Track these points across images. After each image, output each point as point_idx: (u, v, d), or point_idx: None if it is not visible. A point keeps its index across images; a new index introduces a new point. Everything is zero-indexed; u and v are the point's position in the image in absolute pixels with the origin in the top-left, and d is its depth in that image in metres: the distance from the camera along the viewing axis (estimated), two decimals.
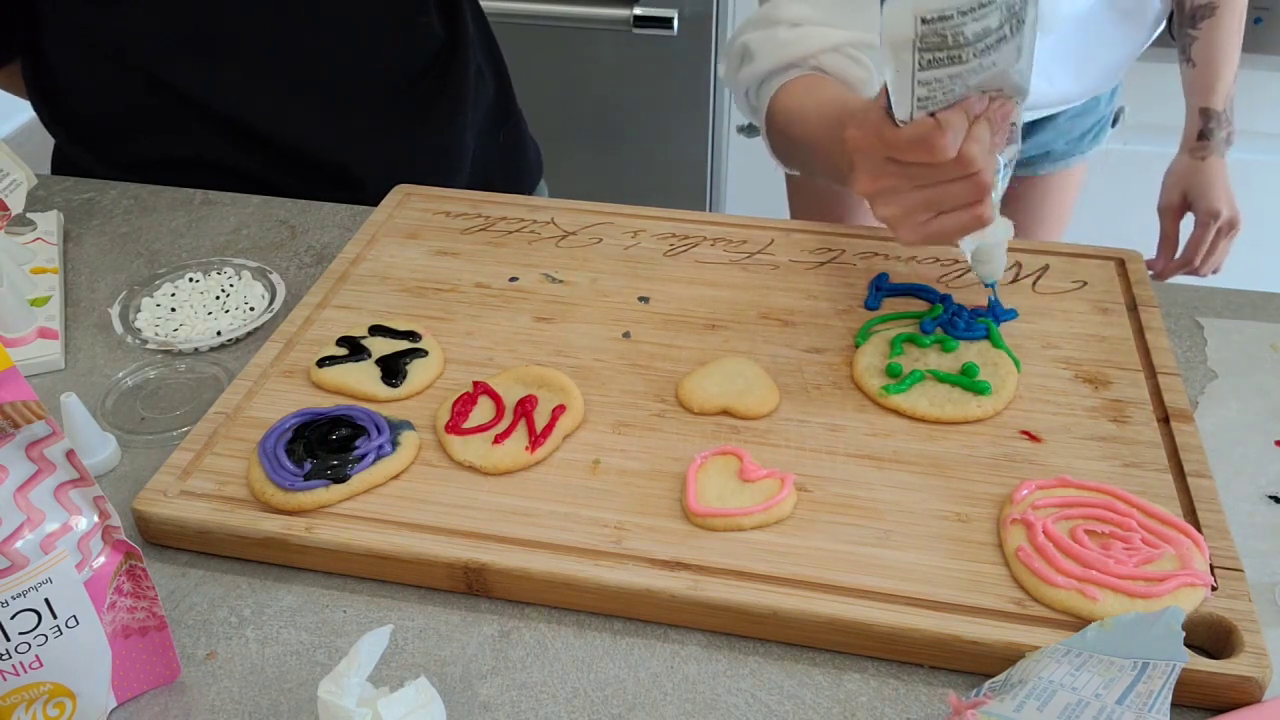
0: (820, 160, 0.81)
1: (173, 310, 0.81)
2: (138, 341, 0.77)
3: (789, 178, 1.32)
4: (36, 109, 1.01)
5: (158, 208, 0.95)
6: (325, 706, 0.46)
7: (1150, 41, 1.10)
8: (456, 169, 1.06)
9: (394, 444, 0.64)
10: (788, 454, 0.65)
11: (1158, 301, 0.77)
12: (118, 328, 0.78)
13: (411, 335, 0.74)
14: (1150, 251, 0.83)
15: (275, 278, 0.83)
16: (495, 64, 1.14)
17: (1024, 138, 1.17)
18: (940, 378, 0.69)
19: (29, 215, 0.90)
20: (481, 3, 1.14)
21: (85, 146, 1.02)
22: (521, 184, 1.16)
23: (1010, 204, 1.23)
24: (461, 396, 0.68)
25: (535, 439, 0.64)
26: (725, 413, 0.68)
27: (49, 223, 0.90)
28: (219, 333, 0.78)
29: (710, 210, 1.94)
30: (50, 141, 1.07)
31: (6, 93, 1.05)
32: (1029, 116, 1.04)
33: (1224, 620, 0.54)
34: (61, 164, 1.06)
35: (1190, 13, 1.08)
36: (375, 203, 0.91)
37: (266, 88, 0.96)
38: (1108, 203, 1.66)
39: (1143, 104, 1.53)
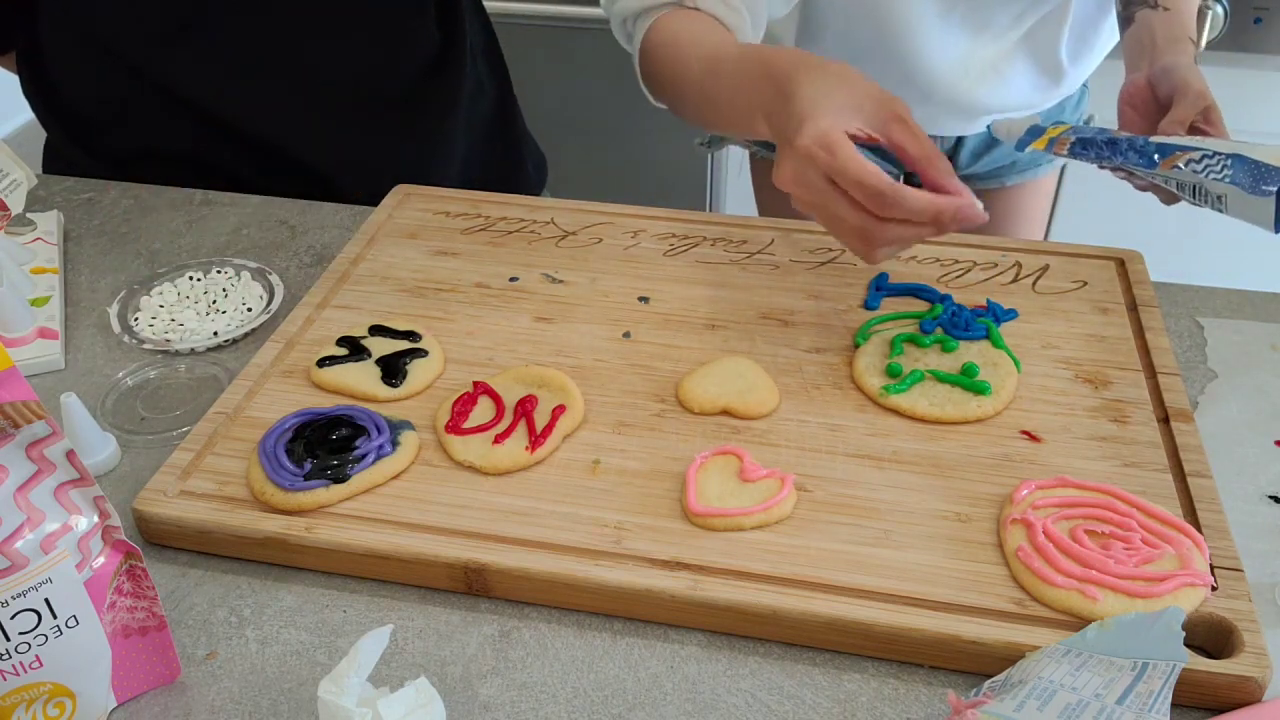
0: (722, 100, 0.80)
1: (172, 310, 0.81)
2: (135, 341, 0.77)
3: (758, 178, 1.31)
4: (26, 94, 1.01)
5: (157, 208, 0.95)
6: (325, 706, 0.46)
7: (1111, 46, 1.08)
8: (443, 175, 1.06)
9: (394, 444, 0.64)
10: (788, 454, 0.65)
11: (1158, 301, 0.77)
12: (116, 327, 0.78)
13: (411, 335, 0.74)
14: (1149, 251, 0.82)
15: (274, 278, 0.83)
16: (498, 76, 1.13)
17: (986, 149, 1.16)
18: (940, 378, 0.69)
19: (29, 215, 0.90)
20: (484, 3, 1.13)
21: (72, 136, 1.02)
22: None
23: None
24: (461, 396, 0.68)
25: (535, 439, 0.64)
26: (725, 413, 0.68)
27: (49, 223, 0.90)
28: (216, 333, 0.78)
29: (710, 210, 1.94)
30: None
31: (6, 95, 1.05)
32: (993, 120, 1.02)
33: (1224, 620, 0.54)
34: (51, 157, 1.06)
35: None
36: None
37: (250, 85, 0.96)
38: (1106, 203, 1.66)
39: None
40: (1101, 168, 0.76)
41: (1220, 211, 0.70)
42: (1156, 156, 0.71)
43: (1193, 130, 0.80)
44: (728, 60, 0.79)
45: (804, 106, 0.67)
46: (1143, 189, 0.78)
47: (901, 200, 0.64)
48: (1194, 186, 0.70)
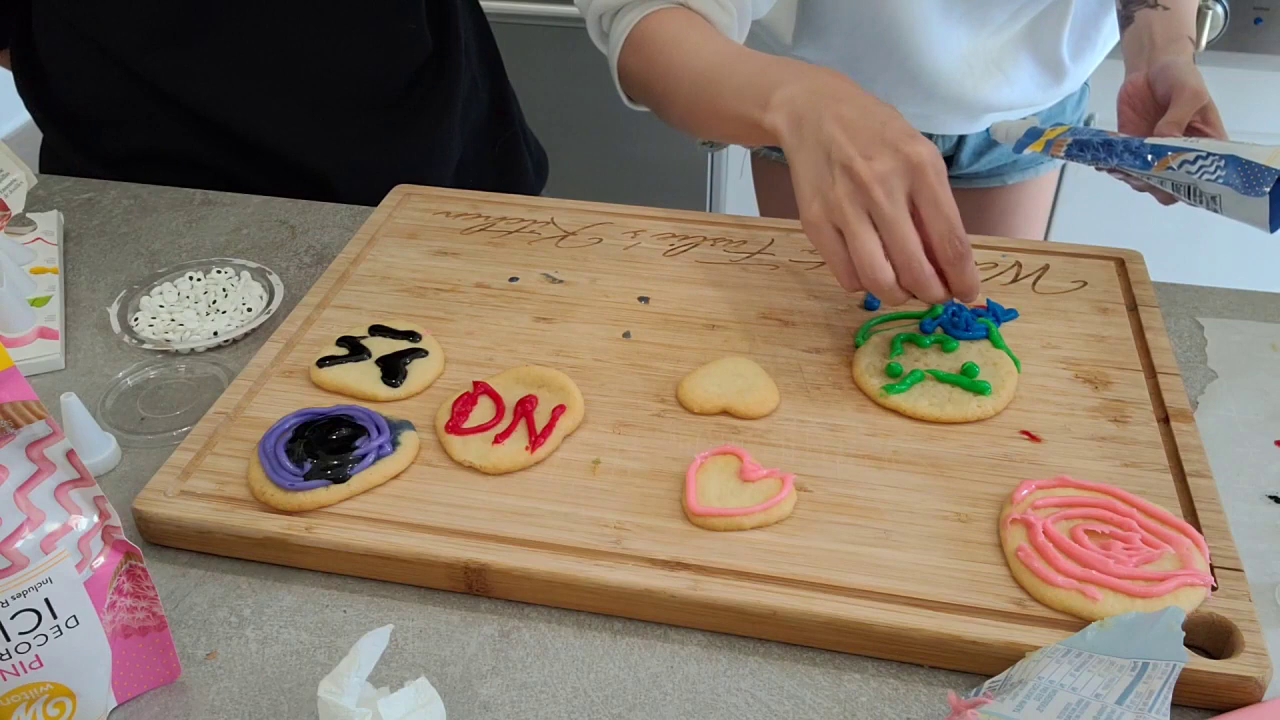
0: (730, 88, 0.78)
1: (172, 310, 0.81)
2: (135, 341, 0.77)
3: (759, 177, 1.31)
4: (21, 93, 1.01)
5: (158, 208, 0.95)
6: (325, 706, 0.46)
7: (1112, 44, 1.09)
8: (441, 175, 1.06)
9: (394, 444, 0.64)
10: (788, 454, 0.65)
11: (1158, 301, 0.77)
12: (116, 327, 0.78)
13: (411, 335, 0.74)
14: (1149, 251, 0.83)
15: (274, 279, 0.83)
16: (493, 75, 1.13)
17: (988, 147, 1.16)
18: (940, 378, 0.69)
19: (29, 215, 0.90)
20: (482, 3, 1.13)
21: (65, 135, 1.02)
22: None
23: (979, 214, 1.22)
24: (461, 396, 0.68)
25: (535, 439, 0.64)
26: (725, 413, 0.68)
27: (49, 223, 0.90)
28: (216, 333, 0.78)
29: (710, 210, 1.94)
30: None
31: (6, 95, 1.05)
32: (994, 120, 1.03)
33: (1224, 620, 0.54)
34: (48, 158, 1.06)
35: None
36: None
37: (245, 88, 0.96)
38: (1106, 203, 1.66)
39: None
40: (1098, 169, 0.77)
41: (1215, 212, 0.70)
42: (1151, 158, 0.71)
43: (1190, 130, 0.80)
44: (747, 55, 0.79)
45: (909, 125, 0.67)
46: (1140, 189, 0.78)
47: (966, 256, 0.65)
48: (1189, 187, 0.70)
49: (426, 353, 0.72)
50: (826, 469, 0.64)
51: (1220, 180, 0.67)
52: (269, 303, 0.81)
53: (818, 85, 0.71)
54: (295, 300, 0.81)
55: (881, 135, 0.66)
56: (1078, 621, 0.54)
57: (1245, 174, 0.66)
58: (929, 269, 0.66)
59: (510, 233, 0.86)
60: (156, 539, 0.62)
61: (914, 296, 0.67)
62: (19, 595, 0.47)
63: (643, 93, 0.89)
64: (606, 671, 0.55)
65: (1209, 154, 0.68)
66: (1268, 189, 0.65)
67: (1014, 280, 0.80)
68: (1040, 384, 0.70)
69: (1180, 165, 0.70)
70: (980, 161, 1.16)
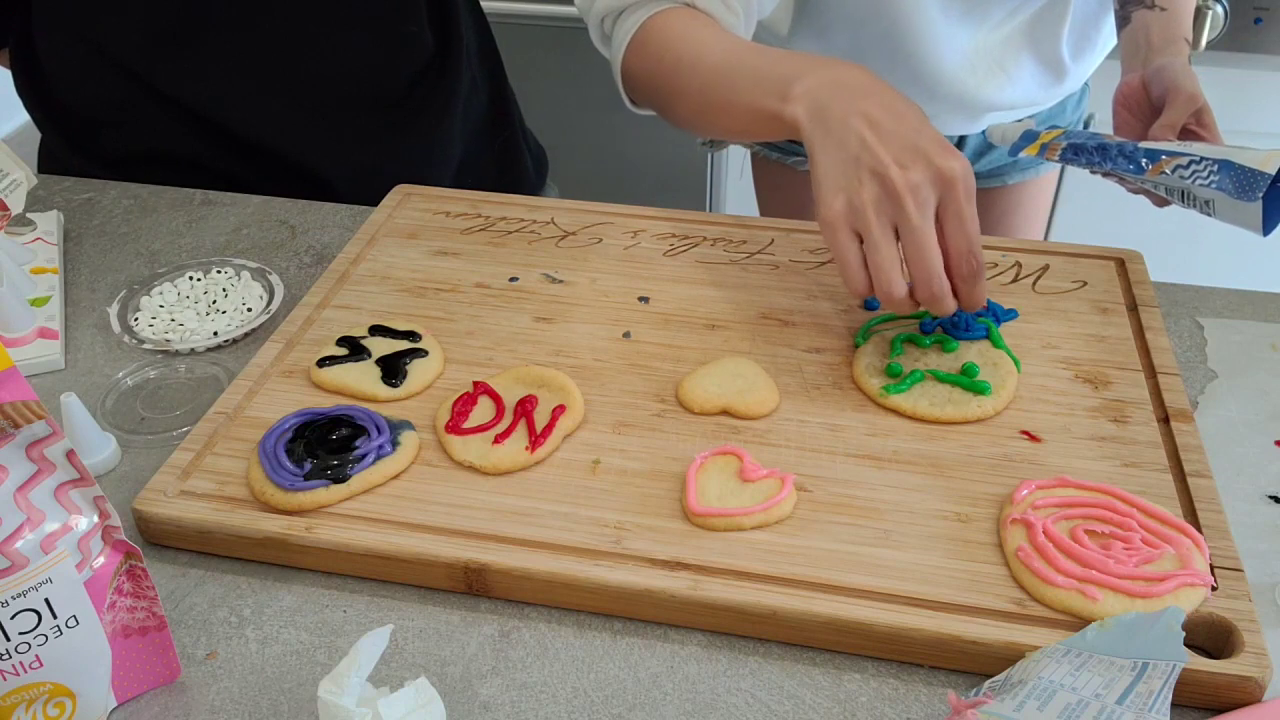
0: (745, 78, 0.77)
1: (172, 310, 0.81)
2: (135, 341, 0.77)
3: (759, 177, 1.31)
4: (20, 93, 1.01)
5: (158, 208, 0.95)
6: (325, 706, 0.46)
7: (1112, 44, 1.09)
8: (441, 175, 1.06)
9: (394, 444, 0.64)
10: (788, 454, 0.65)
11: (1158, 301, 0.77)
12: (116, 327, 0.78)
13: (411, 335, 0.74)
14: (1149, 251, 0.82)
15: (274, 279, 0.83)
16: (492, 73, 1.13)
17: (989, 147, 1.17)
18: (940, 378, 0.69)
19: (29, 215, 0.90)
20: (482, 3, 1.13)
21: (65, 136, 1.01)
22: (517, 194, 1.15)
23: (980, 214, 1.21)
24: (461, 396, 0.68)
25: (535, 439, 0.64)
26: (725, 413, 0.68)
27: (49, 223, 0.90)
28: (216, 333, 0.78)
29: (710, 210, 1.94)
30: None
31: (6, 95, 1.05)
32: (994, 120, 1.03)
33: (1224, 620, 0.54)
34: (46, 158, 1.06)
35: None
36: None
37: (245, 88, 0.96)
38: (1106, 203, 1.66)
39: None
40: (1093, 173, 0.77)
41: (1209, 215, 0.70)
42: (1145, 162, 0.71)
43: (1185, 133, 0.80)
44: (762, 49, 0.78)
45: (940, 134, 0.67)
46: (1134, 192, 0.79)
47: (980, 273, 0.66)
48: (1182, 192, 0.71)
49: (426, 353, 0.72)
50: (826, 469, 0.64)
51: (1214, 185, 0.67)
52: (269, 303, 0.81)
53: (839, 77, 0.71)
54: (295, 300, 0.81)
55: (915, 144, 0.66)
56: (1078, 621, 0.54)
57: (1238, 179, 0.66)
58: (947, 285, 0.66)
59: (510, 233, 0.86)
60: (156, 539, 0.62)
61: (919, 306, 0.67)
62: (19, 595, 0.47)
63: (648, 93, 0.88)
64: (606, 671, 0.55)
65: (1202, 159, 0.69)
66: (1260, 194, 0.65)
67: (1014, 280, 0.80)
68: (1040, 384, 0.70)
69: (1174, 170, 0.70)
70: (981, 162, 1.16)
